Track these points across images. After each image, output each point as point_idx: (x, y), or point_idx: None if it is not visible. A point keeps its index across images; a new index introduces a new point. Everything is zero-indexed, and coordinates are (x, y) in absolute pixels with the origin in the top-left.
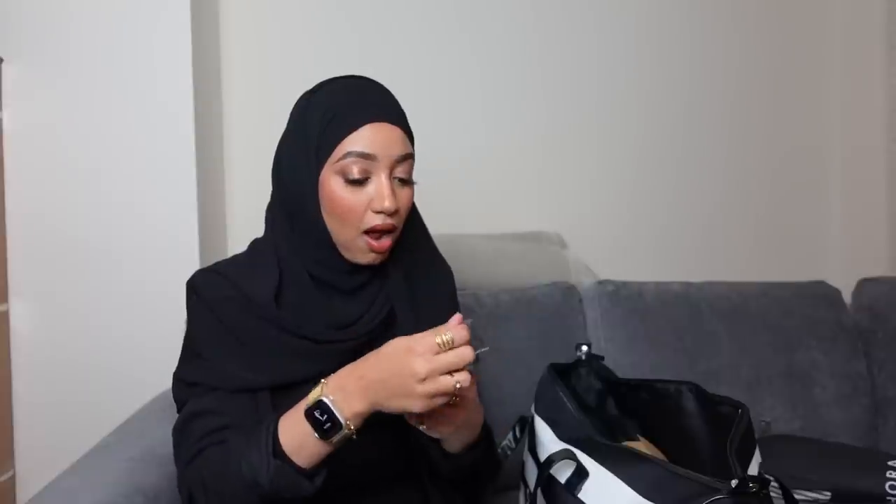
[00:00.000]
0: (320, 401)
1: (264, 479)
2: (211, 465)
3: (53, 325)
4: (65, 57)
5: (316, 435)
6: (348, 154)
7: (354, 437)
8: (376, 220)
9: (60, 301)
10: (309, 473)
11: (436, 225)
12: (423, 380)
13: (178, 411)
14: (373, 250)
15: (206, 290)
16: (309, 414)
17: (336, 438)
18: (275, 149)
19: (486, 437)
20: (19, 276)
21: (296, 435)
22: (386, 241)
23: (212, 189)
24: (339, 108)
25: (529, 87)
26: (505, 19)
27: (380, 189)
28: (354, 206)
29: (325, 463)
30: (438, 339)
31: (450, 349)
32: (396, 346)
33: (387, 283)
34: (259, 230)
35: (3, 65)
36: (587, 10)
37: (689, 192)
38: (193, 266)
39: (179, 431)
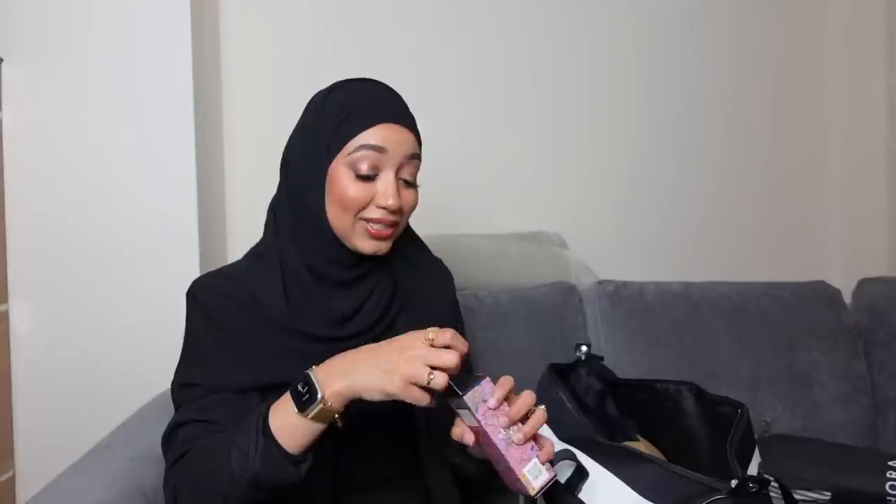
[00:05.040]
0: (305, 374)
1: (253, 458)
2: (195, 462)
3: (53, 325)
4: (65, 57)
5: (295, 409)
6: (361, 146)
7: (339, 424)
8: (377, 214)
9: (60, 301)
10: (295, 459)
11: (436, 225)
12: (409, 360)
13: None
14: (371, 235)
15: (204, 294)
16: (293, 388)
17: (313, 413)
18: (276, 148)
19: None
20: (19, 276)
21: (285, 418)
22: (385, 231)
23: (212, 189)
24: (354, 107)
25: (530, 87)
26: (505, 20)
27: (386, 186)
28: (360, 198)
29: (311, 450)
30: (431, 335)
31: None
32: (392, 337)
33: (386, 272)
34: (259, 230)
35: (3, 65)
36: (587, 11)
37: (689, 193)
38: (193, 266)
39: (166, 440)
